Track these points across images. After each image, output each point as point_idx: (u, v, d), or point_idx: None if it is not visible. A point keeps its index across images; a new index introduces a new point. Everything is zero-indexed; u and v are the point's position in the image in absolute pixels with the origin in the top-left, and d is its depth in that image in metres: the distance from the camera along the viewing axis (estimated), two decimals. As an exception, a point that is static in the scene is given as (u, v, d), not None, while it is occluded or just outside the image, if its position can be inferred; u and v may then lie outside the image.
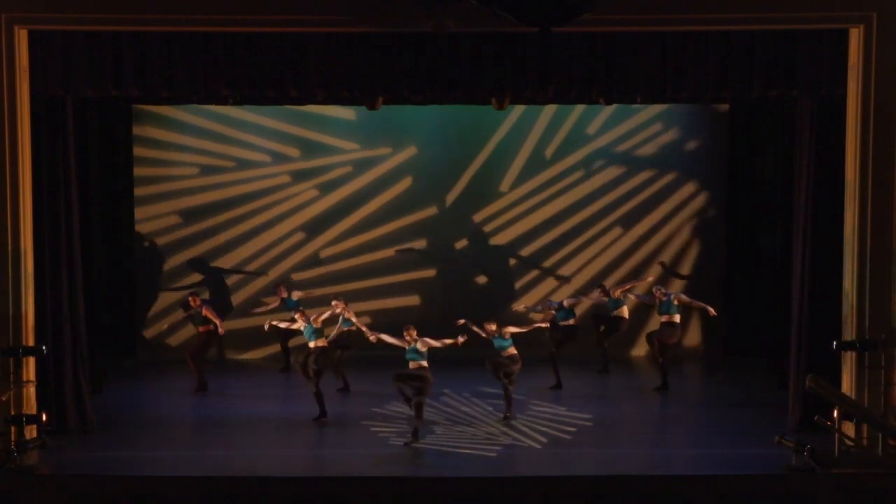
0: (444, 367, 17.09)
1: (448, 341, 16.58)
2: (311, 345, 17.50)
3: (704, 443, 16.86)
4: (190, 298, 19.32)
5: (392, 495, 14.35)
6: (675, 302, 19.13)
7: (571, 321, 19.53)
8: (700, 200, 21.68)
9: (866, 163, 16.01)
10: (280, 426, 17.47)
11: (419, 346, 16.42)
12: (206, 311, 19.14)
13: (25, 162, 16.07)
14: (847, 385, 16.22)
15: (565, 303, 19.69)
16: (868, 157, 16.00)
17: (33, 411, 15.91)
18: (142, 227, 21.31)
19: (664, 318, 19.21)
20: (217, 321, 19.14)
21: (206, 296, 20.82)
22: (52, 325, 16.58)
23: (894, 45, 15.82)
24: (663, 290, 19.33)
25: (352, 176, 21.56)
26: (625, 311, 19.93)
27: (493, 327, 17.45)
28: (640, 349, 21.27)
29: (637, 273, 21.41)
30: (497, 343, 17.42)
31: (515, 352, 17.40)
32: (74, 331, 16.86)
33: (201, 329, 19.22)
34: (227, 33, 15.97)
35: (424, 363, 16.46)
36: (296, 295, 20.15)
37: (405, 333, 16.51)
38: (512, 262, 21.77)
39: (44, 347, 16.08)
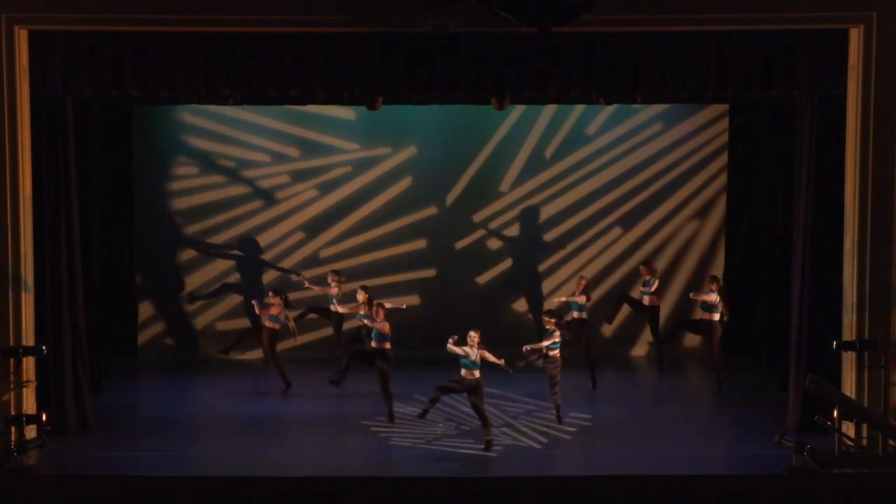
0: (444, 366, 17.04)
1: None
2: (375, 345, 17.52)
3: (704, 443, 16.88)
4: (271, 294, 19.26)
5: (392, 495, 14.35)
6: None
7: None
8: (700, 200, 21.68)
9: (866, 162, 16.02)
10: (280, 426, 17.48)
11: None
12: (265, 311, 19.11)
13: (25, 162, 16.08)
14: (847, 385, 16.23)
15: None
16: (868, 157, 16.01)
17: (33, 411, 15.92)
18: (142, 227, 21.30)
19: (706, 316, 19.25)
20: (261, 311, 19.07)
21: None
22: (52, 325, 16.59)
23: (894, 45, 15.83)
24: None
25: (352, 176, 21.55)
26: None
27: (553, 322, 17.29)
28: (641, 349, 21.27)
29: (637, 274, 21.42)
30: (553, 345, 17.28)
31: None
32: (74, 331, 16.87)
33: (269, 325, 19.14)
34: (227, 33, 15.98)
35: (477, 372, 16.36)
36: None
37: (469, 338, 16.27)
38: (511, 262, 21.77)
39: (44, 347, 16.09)
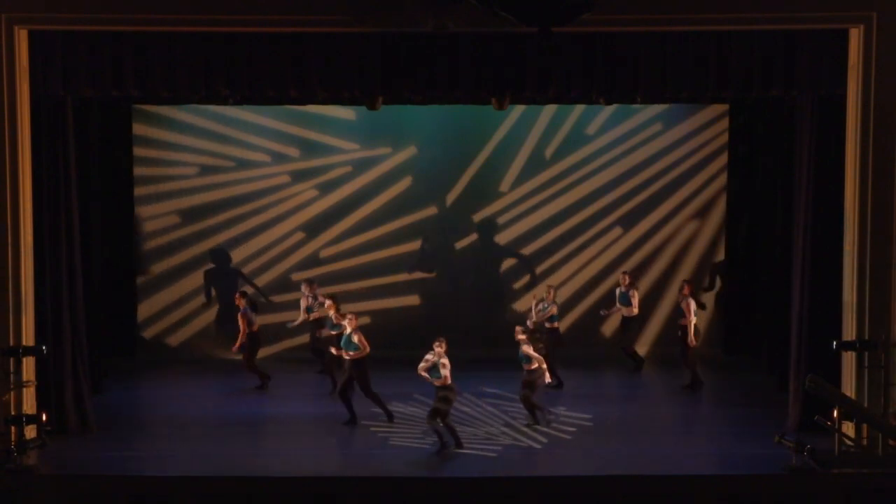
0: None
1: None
2: (348, 356, 17.36)
3: (704, 443, 16.88)
4: (237, 296, 19.31)
5: (392, 495, 14.34)
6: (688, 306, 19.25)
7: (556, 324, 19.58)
8: (700, 200, 21.68)
9: (866, 163, 16.02)
10: (280, 426, 17.48)
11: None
12: (240, 317, 19.09)
13: (25, 162, 16.08)
14: (847, 385, 16.23)
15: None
16: (868, 157, 16.01)
17: (33, 411, 15.91)
18: (141, 227, 21.30)
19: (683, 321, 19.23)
20: (242, 329, 18.98)
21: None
22: (52, 325, 16.59)
23: (894, 45, 15.83)
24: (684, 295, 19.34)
25: (352, 176, 21.56)
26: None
27: (524, 337, 17.26)
28: (642, 349, 21.25)
29: (637, 274, 21.44)
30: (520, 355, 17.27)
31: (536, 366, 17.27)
32: (74, 331, 16.87)
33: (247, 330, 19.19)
34: (227, 33, 15.98)
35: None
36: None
37: (435, 346, 16.29)
38: (511, 262, 21.77)
39: (44, 347, 16.08)
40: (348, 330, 17.28)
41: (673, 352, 19.93)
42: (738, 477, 14.84)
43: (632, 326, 20.41)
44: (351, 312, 17.65)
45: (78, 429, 16.81)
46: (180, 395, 19.12)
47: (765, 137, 20.45)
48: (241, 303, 19.12)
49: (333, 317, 18.27)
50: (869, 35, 15.80)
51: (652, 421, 17.79)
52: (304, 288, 19.99)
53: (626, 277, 20.25)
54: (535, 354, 17.12)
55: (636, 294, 20.21)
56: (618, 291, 20.28)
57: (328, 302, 18.56)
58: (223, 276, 21.44)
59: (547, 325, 19.38)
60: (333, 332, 18.17)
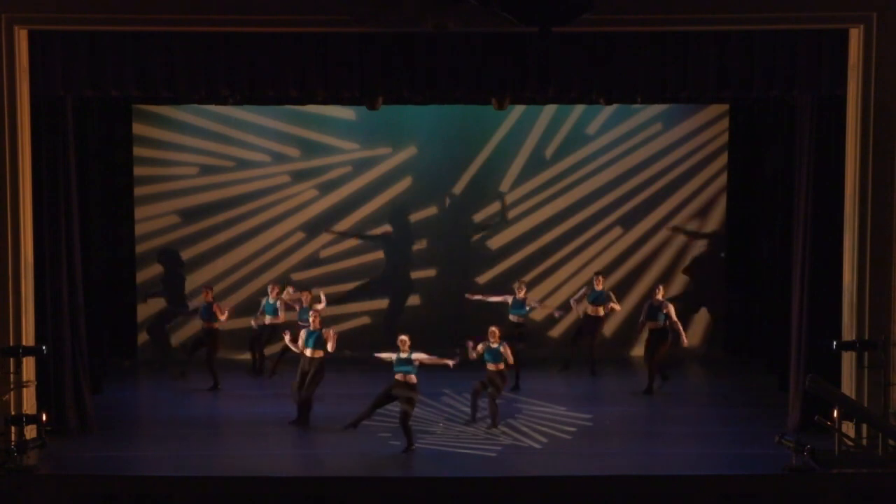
0: (443, 367, 17.05)
1: (441, 361, 16.43)
2: (309, 353, 17.37)
3: (704, 443, 16.87)
4: (204, 291, 19.46)
5: (392, 495, 14.33)
6: (665, 311, 19.14)
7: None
8: (700, 200, 21.67)
9: (866, 162, 16.03)
10: (279, 426, 17.47)
11: (412, 357, 16.31)
12: (216, 307, 19.25)
13: (25, 162, 16.08)
14: (847, 385, 16.23)
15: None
16: (868, 157, 16.02)
17: (33, 411, 15.91)
18: (142, 227, 21.29)
19: (652, 325, 19.20)
20: (222, 318, 19.24)
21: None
22: (52, 325, 16.59)
23: (894, 45, 15.83)
24: (659, 299, 19.22)
25: (352, 176, 21.55)
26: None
27: (497, 333, 17.24)
28: (639, 349, 21.26)
29: (637, 273, 21.46)
30: (490, 355, 17.24)
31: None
32: (74, 331, 16.87)
33: (206, 325, 19.25)
34: (227, 33, 15.98)
35: (414, 377, 16.36)
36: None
37: (399, 342, 16.34)
38: (511, 261, 21.76)
39: (44, 347, 16.09)
40: (315, 327, 17.27)
41: (674, 353, 19.93)
42: (738, 477, 14.83)
43: (598, 327, 20.35)
44: (315, 310, 17.68)
45: (78, 429, 16.82)
46: (180, 395, 19.12)
47: (765, 137, 20.44)
48: (209, 296, 19.36)
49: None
50: (869, 35, 15.81)
51: (652, 421, 17.79)
52: (270, 289, 19.96)
53: (601, 279, 20.20)
54: (510, 353, 17.17)
55: (612, 295, 20.17)
56: (587, 290, 20.21)
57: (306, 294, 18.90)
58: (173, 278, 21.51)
59: (514, 318, 19.41)
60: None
